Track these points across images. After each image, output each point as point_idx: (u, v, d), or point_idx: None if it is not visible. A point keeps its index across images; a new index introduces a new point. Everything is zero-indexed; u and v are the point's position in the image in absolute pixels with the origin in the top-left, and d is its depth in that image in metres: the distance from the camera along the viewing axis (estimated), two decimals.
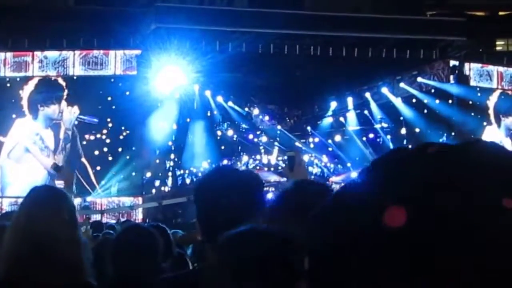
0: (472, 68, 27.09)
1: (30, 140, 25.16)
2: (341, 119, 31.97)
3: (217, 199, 2.36)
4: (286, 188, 2.57)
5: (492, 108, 27.56)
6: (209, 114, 29.17)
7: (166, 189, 27.00)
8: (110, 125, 24.78)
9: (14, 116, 25.10)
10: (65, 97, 24.97)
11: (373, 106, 29.37)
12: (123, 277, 3.64)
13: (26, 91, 25.04)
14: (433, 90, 26.54)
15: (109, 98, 24.47)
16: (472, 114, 26.94)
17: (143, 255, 3.68)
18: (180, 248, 4.56)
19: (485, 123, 27.49)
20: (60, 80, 24.99)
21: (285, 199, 2.47)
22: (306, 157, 34.90)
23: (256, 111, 31.73)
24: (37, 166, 25.12)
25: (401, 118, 28.02)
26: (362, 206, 0.82)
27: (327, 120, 32.23)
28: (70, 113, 25.08)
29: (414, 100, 27.34)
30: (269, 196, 26.92)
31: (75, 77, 24.88)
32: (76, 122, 25.06)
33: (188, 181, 27.92)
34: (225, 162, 30.17)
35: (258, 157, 32.82)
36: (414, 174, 0.82)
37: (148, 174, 25.77)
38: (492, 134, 27.43)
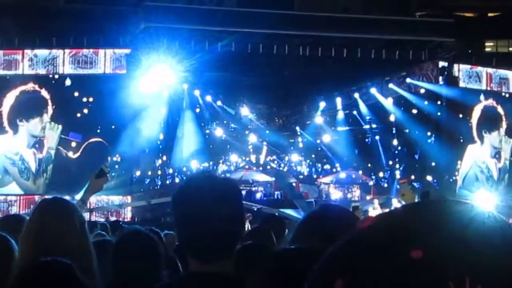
0: (461, 69, 27.17)
1: (9, 161, 24.02)
2: (330, 119, 32.08)
3: (193, 211, 2.34)
4: (313, 211, 2.67)
5: (474, 125, 27.50)
6: (198, 112, 29.18)
7: (155, 188, 26.99)
8: (99, 125, 24.67)
9: None
10: (49, 111, 24.33)
11: (362, 106, 29.45)
12: (123, 282, 3.65)
13: (6, 104, 24.29)
14: (422, 91, 26.61)
15: (98, 99, 24.32)
16: (461, 115, 27.04)
17: (144, 260, 3.69)
18: None
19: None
20: (43, 92, 24.40)
21: (311, 221, 2.58)
22: (295, 157, 35.04)
23: (245, 111, 31.76)
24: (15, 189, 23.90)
25: (390, 118, 28.10)
26: None
27: (316, 120, 32.30)
28: (53, 130, 24.24)
29: (402, 101, 27.42)
30: (258, 195, 27.03)
31: (64, 77, 24.63)
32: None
33: (177, 180, 27.96)
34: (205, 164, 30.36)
35: (246, 156, 32.91)
36: None
37: (137, 173, 25.74)
38: (474, 153, 27.41)
